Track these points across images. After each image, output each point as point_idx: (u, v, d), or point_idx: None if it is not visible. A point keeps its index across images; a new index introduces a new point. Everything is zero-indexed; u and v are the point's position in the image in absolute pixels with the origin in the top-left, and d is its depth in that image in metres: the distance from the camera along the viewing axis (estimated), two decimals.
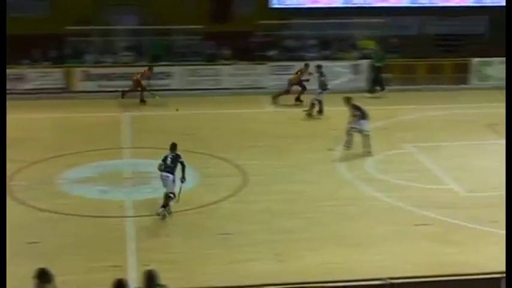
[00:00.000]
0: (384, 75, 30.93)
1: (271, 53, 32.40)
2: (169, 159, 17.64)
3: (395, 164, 22.07)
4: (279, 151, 22.87)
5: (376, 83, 30.71)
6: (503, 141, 23.93)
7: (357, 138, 22.86)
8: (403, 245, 16.66)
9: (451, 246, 16.56)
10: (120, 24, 31.58)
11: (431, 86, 31.01)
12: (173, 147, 17.88)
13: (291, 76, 28.80)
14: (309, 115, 26.73)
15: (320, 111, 26.89)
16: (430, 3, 34.52)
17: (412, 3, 34.42)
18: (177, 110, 27.31)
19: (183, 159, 17.74)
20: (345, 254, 16.12)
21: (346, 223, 17.83)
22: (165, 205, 17.58)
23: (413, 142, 23.96)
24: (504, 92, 30.07)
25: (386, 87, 30.56)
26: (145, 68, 29.00)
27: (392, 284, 12.35)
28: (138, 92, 28.61)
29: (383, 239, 16.91)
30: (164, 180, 17.58)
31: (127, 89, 28.57)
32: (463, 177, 20.96)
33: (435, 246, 16.57)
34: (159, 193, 17.97)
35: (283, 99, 28.57)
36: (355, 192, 19.85)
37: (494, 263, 14.46)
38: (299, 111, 27.31)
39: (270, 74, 30.74)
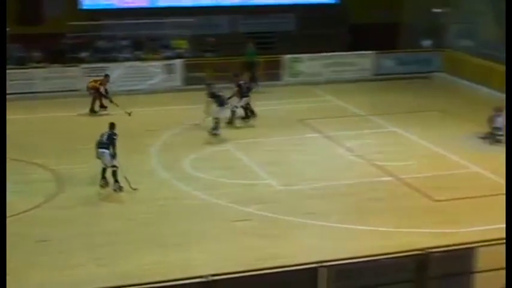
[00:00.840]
0: (199, 74, 31.24)
1: (83, 54, 31.93)
2: (105, 136, 19.59)
3: (212, 161, 22.36)
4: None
5: (252, 79, 31.17)
6: (317, 135, 25.05)
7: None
8: (223, 241, 16.93)
9: (270, 240, 17.01)
10: None
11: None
12: (111, 126, 19.96)
13: (89, 83, 28.07)
14: (230, 123, 26.04)
15: (246, 116, 26.47)
16: (240, 2, 35.19)
17: (221, 2, 34.93)
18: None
19: (115, 138, 19.53)
20: (167, 253, 16.20)
21: (167, 223, 17.91)
22: (116, 180, 19.42)
23: (230, 139, 24.36)
24: (315, 87, 31.40)
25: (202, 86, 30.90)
26: (103, 76, 27.98)
27: (214, 281, 12.52)
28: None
29: (204, 237, 17.11)
30: (101, 155, 19.42)
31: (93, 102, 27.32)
32: (279, 171, 21.56)
33: (255, 240, 16.95)
34: None
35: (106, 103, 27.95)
36: (175, 192, 19.95)
37: (311, 254, 15.00)
38: (115, 114, 27.04)
39: (83, 76, 30.26)
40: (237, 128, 25.69)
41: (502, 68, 30.93)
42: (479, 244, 14.20)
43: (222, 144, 23.90)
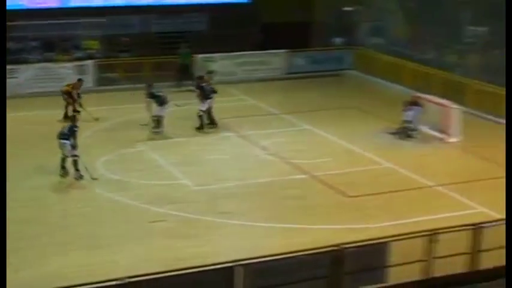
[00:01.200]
0: (111, 74, 30.99)
1: None
2: (66, 128, 20.71)
3: (127, 163, 22.21)
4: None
5: (183, 79, 31.36)
6: (232, 134, 25.14)
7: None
8: (141, 243, 16.86)
9: (187, 240, 17.03)
10: None
11: (158, 84, 31.17)
12: (72, 119, 21.57)
13: (63, 88, 27.12)
14: (200, 128, 25.56)
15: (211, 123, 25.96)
16: (152, 2, 35.00)
17: (133, 2, 34.67)
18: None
19: (76, 129, 20.73)
20: (85, 256, 16.04)
21: (83, 226, 17.72)
22: (77, 169, 20.49)
23: (144, 140, 24.25)
24: (229, 86, 31.50)
25: (115, 87, 30.72)
26: (76, 80, 27.12)
27: (130, 283, 12.48)
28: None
29: (120, 239, 17.00)
30: (62, 146, 20.49)
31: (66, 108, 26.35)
32: (194, 171, 21.57)
33: (171, 241, 16.94)
34: None
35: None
36: (89, 194, 19.75)
37: (228, 253, 15.11)
38: (25, 116, 26.62)
39: None
40: (207, 132, 25.44)
41: (412, 65, 31.76)
42: (392, 239, 14.54)
43: (135, 145, 23.74)
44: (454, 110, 25.15)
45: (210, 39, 33.56)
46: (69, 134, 20.61)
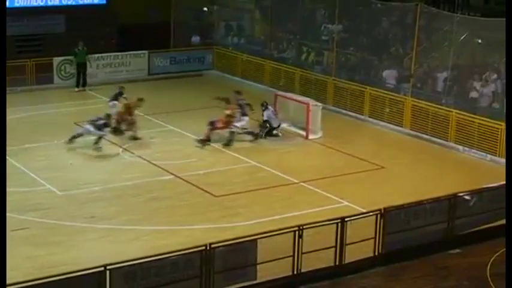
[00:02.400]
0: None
1: None
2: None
3: None
4: None
5: (80, 80, 31.28)
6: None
7: None
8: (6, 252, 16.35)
9: (54, 247, 16.68)
10: None
11: (14, 88, 30.31)
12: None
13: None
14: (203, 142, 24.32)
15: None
16: (7, 4, 33.98)
17: None
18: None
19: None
20: None
21: None
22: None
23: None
24: (90, 88, 31.01)
25: None
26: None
27: None
28: None
29: None
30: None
31: None
32: (57, 176, 21.12)
33: (36, 249, 16.55)
34: None
35: None
36: None
37: (95, 258, 14.92)
38: None
39: None
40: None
41: (271, 64, 32.24)
42: (260, 236, 14.75)
43: None
44: (314, 107, 25.70)
45: (67, 41, 32.89)
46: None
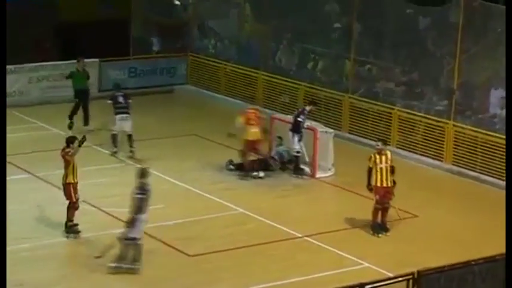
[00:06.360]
0: None
1: None
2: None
3: None
4: None
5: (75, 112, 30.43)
6: (27, 176, 24.68)
7: None
8: None
9: None
10: None
11: None
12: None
13: None
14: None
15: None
16: None
17: None
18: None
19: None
20: None
21: None
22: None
23: None
24: (12, 109, 30.99)
25: None
26: None
27: None
28: None
29: None
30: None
31: None
32: None
33: None
34: None
35: None
36: None
37: None
38: None
39: None
40: None
41: (264, 76, 32.33)
42: None
43: None
44: (323, 135, 25.52)
45: None
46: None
